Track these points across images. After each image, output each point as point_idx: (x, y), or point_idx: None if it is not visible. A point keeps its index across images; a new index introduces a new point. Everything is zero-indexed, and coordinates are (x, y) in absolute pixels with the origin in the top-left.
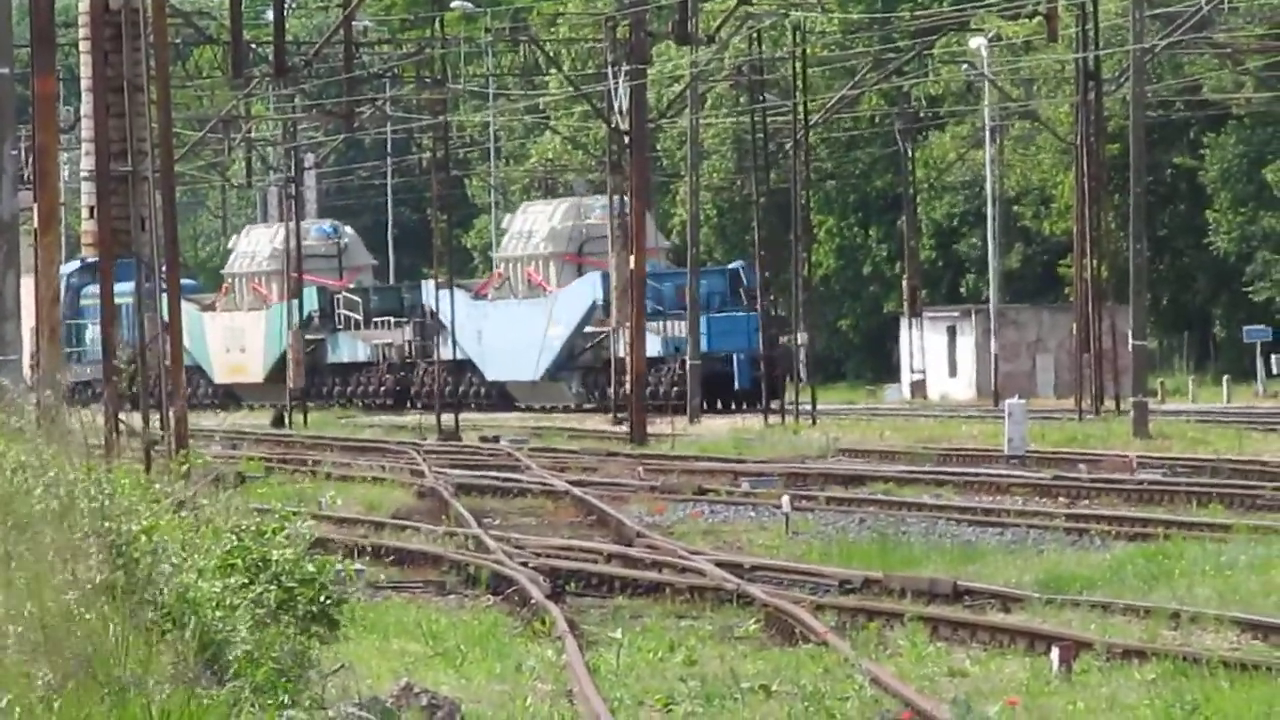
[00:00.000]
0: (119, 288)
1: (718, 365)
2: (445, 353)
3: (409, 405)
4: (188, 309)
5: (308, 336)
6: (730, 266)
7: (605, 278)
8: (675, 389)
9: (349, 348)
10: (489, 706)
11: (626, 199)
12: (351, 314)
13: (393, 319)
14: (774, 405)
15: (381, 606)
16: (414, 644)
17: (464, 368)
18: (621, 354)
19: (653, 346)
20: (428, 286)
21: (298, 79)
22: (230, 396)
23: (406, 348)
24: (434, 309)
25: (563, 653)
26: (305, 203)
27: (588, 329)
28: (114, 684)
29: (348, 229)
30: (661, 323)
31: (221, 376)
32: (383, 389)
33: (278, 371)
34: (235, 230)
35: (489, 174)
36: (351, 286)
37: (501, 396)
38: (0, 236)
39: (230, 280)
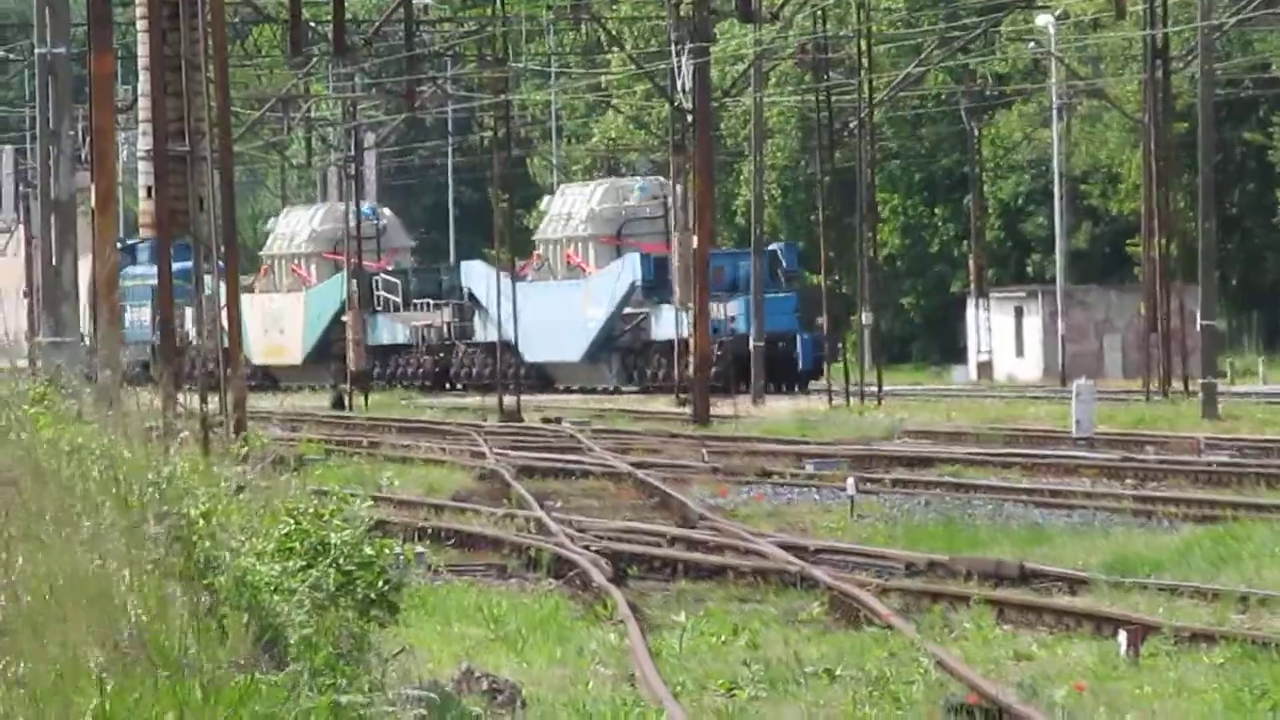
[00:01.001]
0: (151, 270)
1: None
2: (485, 334)
3: (447, 386)
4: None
5: (345, 319)
6: (769, 248)
7: (645, 259)
8: (715, 370)
9: (388, 330)
10: (550, 690)
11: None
12: (390, 296)
13: (431, 301)
14: (822, 386)
15: (442, 590)
16: (475, 628)
17: (503, 349)
18: (684, 335)
19: (682, 328)
20: (467, 267)
21: (357, 58)
22: (268, 378)
23: (445, 329)
24: (472, 290)
25: (625, 637)
26: (365, 183)
27: (627, 310)
28: (170, 666)
29: (386, 210)
30: None
31: (259, 358)
32: (421, 371)
33: (317, 353)
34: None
35: (551, 153)
36: (390, 268)
37: (540, 378)
38: (58, 217)
39: (269, 261)
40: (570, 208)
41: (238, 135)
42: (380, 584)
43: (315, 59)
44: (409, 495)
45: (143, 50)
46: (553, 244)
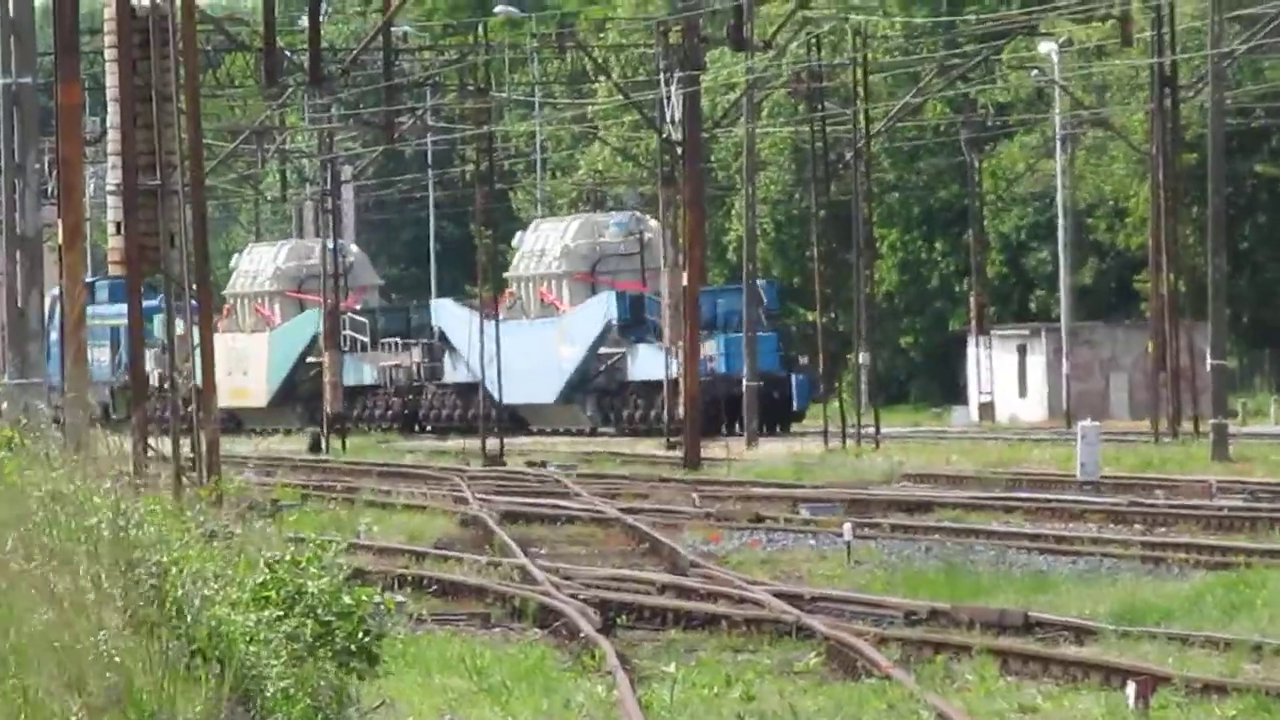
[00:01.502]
0: (109, 310)
1: (735, 388)
2: (455, 374)
3: (416, 429)
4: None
5: (311, 359)
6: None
7: (621, 297)
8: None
9: (354, 370)
10: None
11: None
12: (357, 335)
13: (400, 340)
14: (812, 428)
15: (423, 640)
16: (458, 679)
17: (473, 390)
18: (665, 375)
19: (671, 368)
20: (437, 306)
21: (334, 88)
22: (232, 420)
23: (415, 370)
24: (443, 329)
25: (614, 689)
26: (343, 217)
27: (602, 350)
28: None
29: (353, 247)
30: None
31: (223, 400)
32: (390, 412)
33: (282, 395)
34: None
35: (535, 186)
36: (358, 307)
37: (513, 419)
38: (23, 253)
39: (232, 300)
40: (544, 244)
41: (210, 168)
42: (360, 634)
43: (290, 89)
44: (389, 542)
45: (111, 80)
46: (526, 281)
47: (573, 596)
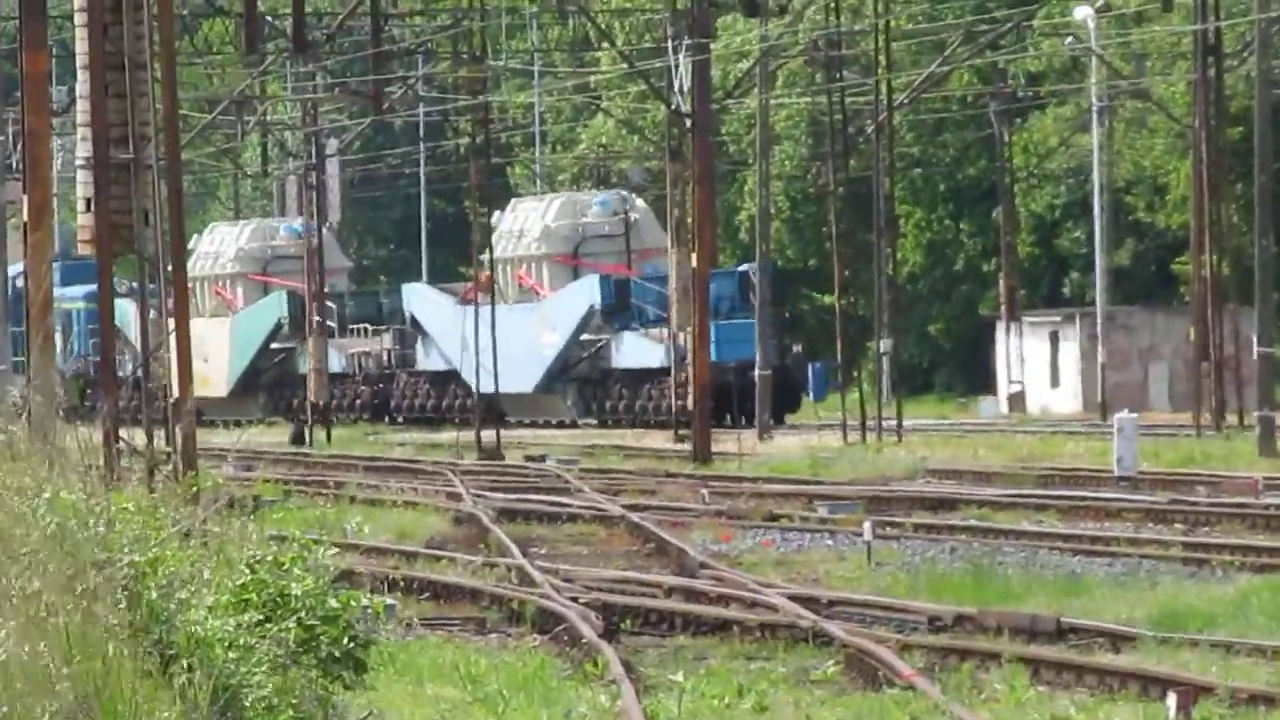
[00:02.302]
0: (69, 292)
1: (726, 376)
2: (429, 362)
3: (387, 420)
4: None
5: (275, 345)
6: (740, 269)
7: (604, 280)
8: (681, 404)
9: None
10: None
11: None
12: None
13: (370, 326)
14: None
15: (414, 647)
16: (451, 689)
17: (448, 379)
18: (657, 364)
19: (655, 356)
20: (409, 290)
21: (319, 55)
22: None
23: (385, 357)
24: (415, 315)
25: (617, 699)
26: (328, 193)
27: (585, 336)
28: None
29: (323, 229)
30: (666, 330)
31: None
32: (359, 402)
33: (244, 384)
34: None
35: (533, 161)
36: (325, 291)
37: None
38: None
39: (191, 284)
40: (523, 224)
41: (186, 141)
42: (346, 640)
43: (272, 56)
44: (378, 541)
45: (81, 47)
46: (504, 264)
47: (574, 600)
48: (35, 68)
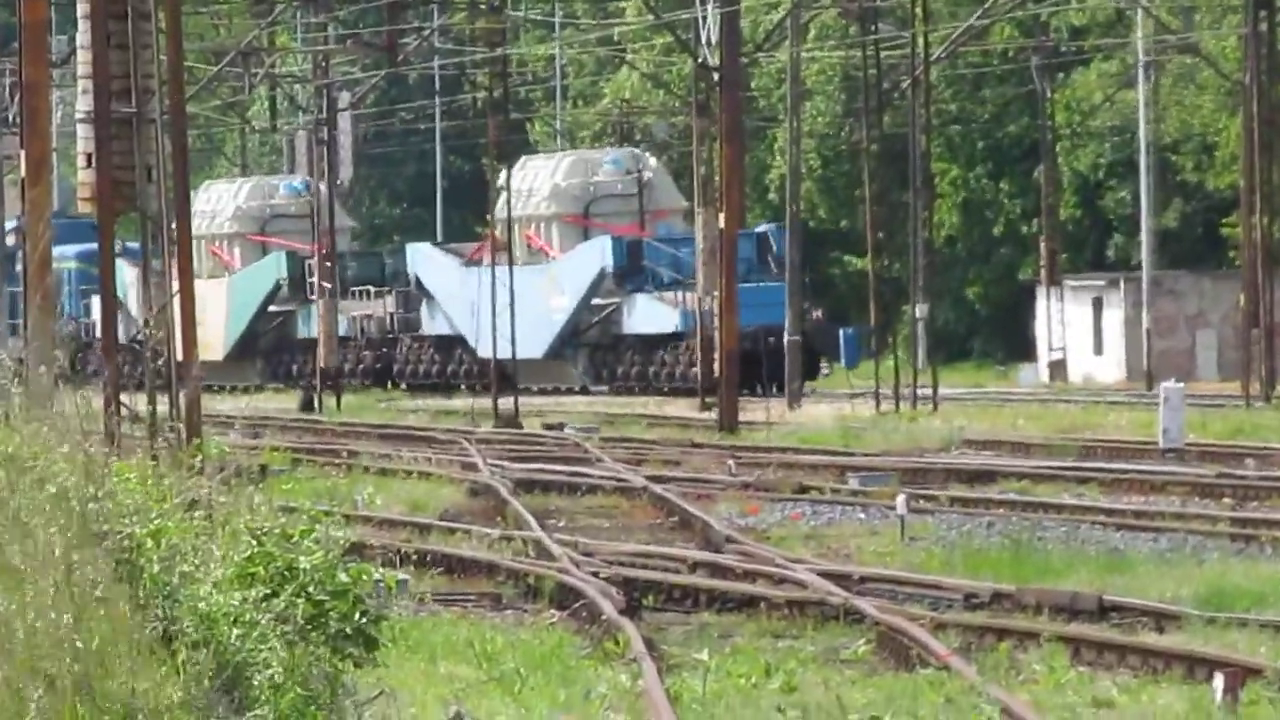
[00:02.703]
0: (61, 251)
1: (747, 342)
2: (433, 326)
3: (389, 385)
4: (136, 274)
5: (273, 308)
6: (757, 230)
7: (616, 242)
8: (694, 369)
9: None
10: None
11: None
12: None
13: (372, 288)
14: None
15: (427, 623)
16: (465, 667)
17: (454, 344)
18: (671, 328)
19: (669, 321)
20: (413, 251)
21: (330, 5)
22: None
23: (388, 320)
24: (419, 277)
25: (639, 678)
26: (339, 149)
27: (595, 300)
28: (117, 711)
29: (321, 186)
30: (680, 293)
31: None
32: (360, 367)
33: (241, 348)
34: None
35: (554, 117)
36: (324, 251)
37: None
38: None
39: None
40: (531, 183)
41: (191, 94)
42: (356, 616)
43: (281, 6)
44: (390, 513)
45: None
46: (512, 224)
47: (594, 575)
48: (34, 16)
